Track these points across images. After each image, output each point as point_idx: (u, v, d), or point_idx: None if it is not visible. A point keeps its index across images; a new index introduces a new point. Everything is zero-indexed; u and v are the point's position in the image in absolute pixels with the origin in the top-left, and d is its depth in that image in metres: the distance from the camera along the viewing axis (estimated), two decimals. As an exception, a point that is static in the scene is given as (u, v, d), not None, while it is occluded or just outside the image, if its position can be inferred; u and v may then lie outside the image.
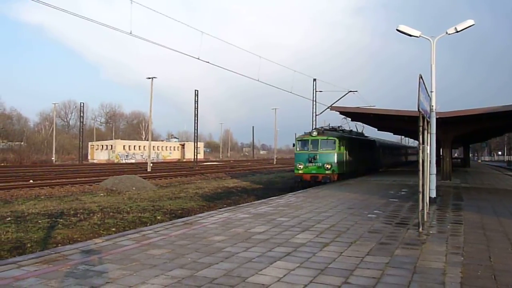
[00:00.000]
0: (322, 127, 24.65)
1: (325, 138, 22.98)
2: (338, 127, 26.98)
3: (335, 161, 22.51)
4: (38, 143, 77.47)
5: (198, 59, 16.93)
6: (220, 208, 13.36)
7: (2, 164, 52.30)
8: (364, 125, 31.21)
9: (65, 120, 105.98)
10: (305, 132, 24.08)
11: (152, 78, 47.02)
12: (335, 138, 23.03)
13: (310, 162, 22.49)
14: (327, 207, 12.06)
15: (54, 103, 77.23)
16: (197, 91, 53.84)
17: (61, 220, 13.76)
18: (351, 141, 25.96)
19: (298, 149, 23.49)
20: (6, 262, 6.14)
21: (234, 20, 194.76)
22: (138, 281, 5.14)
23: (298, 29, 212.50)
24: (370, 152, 31.79)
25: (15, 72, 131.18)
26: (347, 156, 24.26)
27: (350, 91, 36.64)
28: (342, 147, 23.35)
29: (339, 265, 5.88)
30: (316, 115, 39.19)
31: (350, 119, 27.63)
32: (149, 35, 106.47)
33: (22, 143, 73.91)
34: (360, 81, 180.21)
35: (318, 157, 22.50)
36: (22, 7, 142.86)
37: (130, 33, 13.78)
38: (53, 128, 74.57)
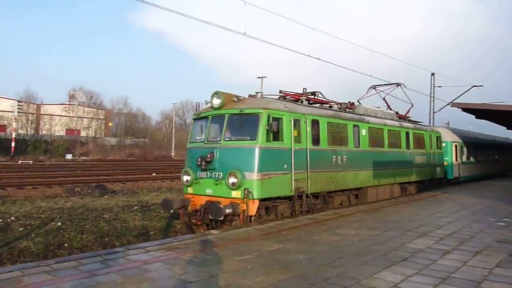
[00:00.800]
0: (250, 95, 10.96)
1: (237, 111, 9.82)
2: (309, 94, 13.90)
3: (255, 167, 9.21)
4: (159, 140, 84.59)
5: (309, 56, 16.88)
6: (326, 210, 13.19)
7: (130, 158, 58.09)
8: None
9: (183, 118, 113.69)
10: (206, 102, 10.90)
11: (262, 77, 47.75)
12: (260, 112, 9.57)
13: (203, 169, 9.85)
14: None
15: (173, 103, 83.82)
16: (305, 89, 53.80)
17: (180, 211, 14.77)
18: (333, 123, 12.27)
19: (192, 140, 11.03)
20: (136, 246, 6.81)
21: (343, 14, 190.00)
22: (253, 273, 5.30)
23: (411, 21, 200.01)
24: (420, 152, 17.91)
25: (140, 75, 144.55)
26: (315, 157, 10.87)
27: (474, 86, 33.24)
28: (287, 133, 10.06)
29: (464, 275, 5.40)
30: (434, 112, 36.45)
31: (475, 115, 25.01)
32: (260, 35, 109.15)
33: (146, 139, 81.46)
34: (483, 74, 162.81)
35: (216, 156, 9.63)
36: (146, 15, 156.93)
37: (244, 33, 14.22)
38: (172, 126, 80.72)
